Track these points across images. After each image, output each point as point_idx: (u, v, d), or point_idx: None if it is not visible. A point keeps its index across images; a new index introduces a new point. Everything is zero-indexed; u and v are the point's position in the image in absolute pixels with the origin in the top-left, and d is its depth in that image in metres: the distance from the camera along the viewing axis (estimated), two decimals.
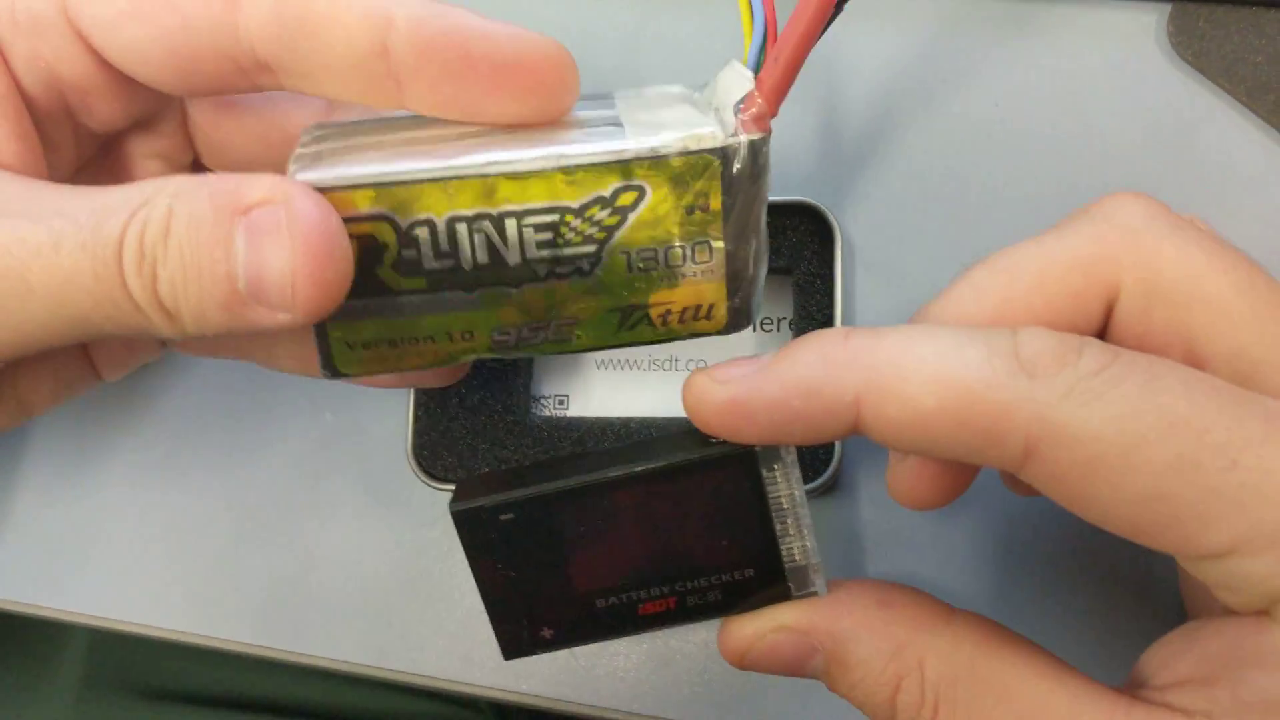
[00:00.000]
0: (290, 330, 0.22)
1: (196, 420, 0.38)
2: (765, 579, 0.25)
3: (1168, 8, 0.36)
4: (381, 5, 0.23)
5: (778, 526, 0.25)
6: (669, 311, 0.25)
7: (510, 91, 0.23)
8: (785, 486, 0.24)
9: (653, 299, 0.25)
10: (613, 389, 0.37)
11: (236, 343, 0.31)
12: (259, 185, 0.22)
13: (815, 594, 0.25)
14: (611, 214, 0.24)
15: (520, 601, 0.25)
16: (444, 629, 0.36)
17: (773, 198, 0.35)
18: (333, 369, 0.25)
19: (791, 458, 0.24)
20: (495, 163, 0.23)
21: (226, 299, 0.22)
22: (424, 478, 0.35)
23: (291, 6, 0.23)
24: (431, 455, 0.36)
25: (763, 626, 0.24)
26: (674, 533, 0.25)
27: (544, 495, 0.24)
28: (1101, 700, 0.22)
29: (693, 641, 0.35)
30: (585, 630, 0.26)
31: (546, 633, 0.26)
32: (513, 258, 0.24)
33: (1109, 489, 0.20)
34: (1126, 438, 0.19)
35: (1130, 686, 0.23)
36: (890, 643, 0.23)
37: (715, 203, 0.24)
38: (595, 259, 0.24)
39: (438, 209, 0.23)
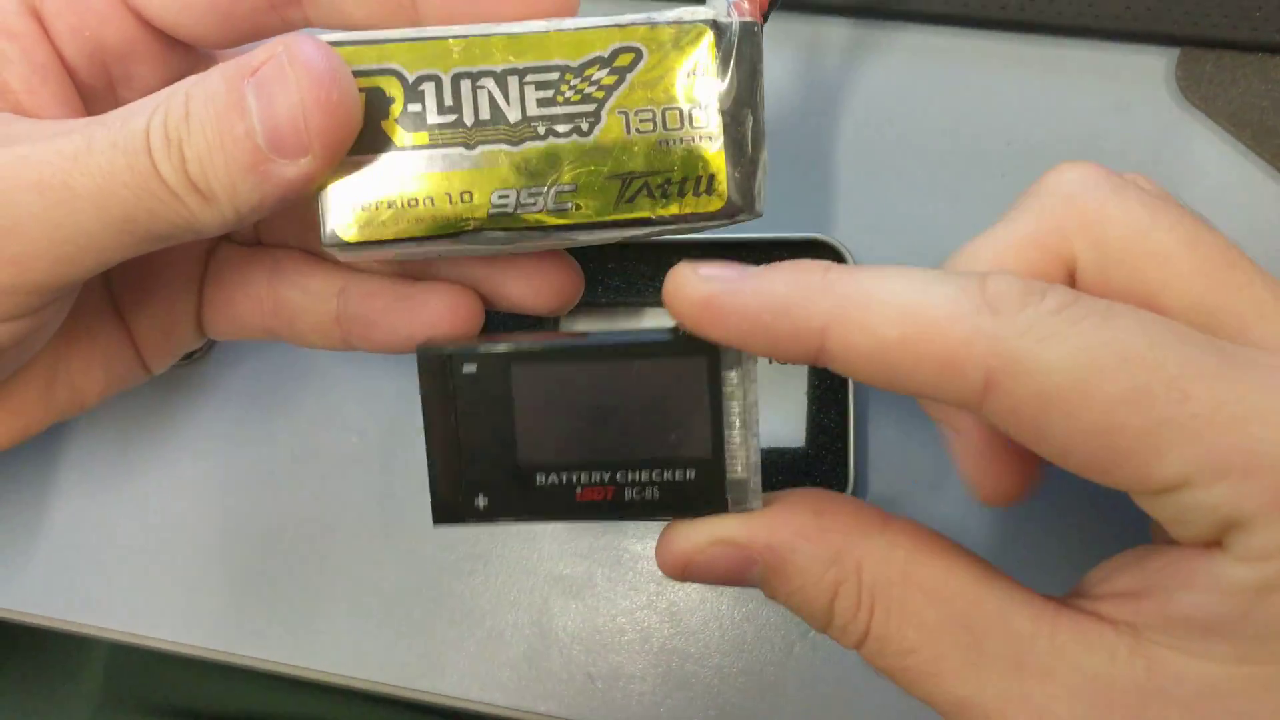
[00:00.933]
0: (315, 182, 0.24)
1: (225, 440, 0.39)
2: (705, 486, 0.25)
3: (1177, 51, 0.37)
4: None
5: (726, 433, 0.25)
6: (669, 180, 0.25)
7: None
8: (741, 394, 0.25)
9: (651, 164, 0.25)
10: None
11: (265, 317, 0.32)
12: (263, 48, 0.23)
13: (751, 509, 0.25)
14: (610, 74, 0.25)
15: (462, 463, 0.25)
16: (465, 650, 0.37)
17: (786, 233, 0.36)
18: (334, 238, 0.26)
19: (752, 367, 0.24)
20: (499, 29, 0.25)
21: (251, 160, 0.23)
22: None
23: None
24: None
25: (701, 540, 0.24)
26: (624, 417, 0.25)
27: (506, 353, 0.25)
28: (1030, 605, 0.22)
29: (709, 666, 0.36)
30: (519, 505, 0.25)
31: (481, 501, 0.25)
32: (513, 114, 0.25)
33: (1064, 422, 0.20)
34: (1081, 371, 0.20)
35: (1070, 597, 0.24)
36: (827, 550, 0.23)
37: (710, 69, 0.25)
38: (594, 118, 0.25)
39: (443, 65, 0.25)
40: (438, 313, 0.30)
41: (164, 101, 0.23)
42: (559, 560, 0.37)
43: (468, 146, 0.25)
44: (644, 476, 0.25)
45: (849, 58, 0.39)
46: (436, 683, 0.37)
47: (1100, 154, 0.37)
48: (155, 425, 0.39)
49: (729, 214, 0.26)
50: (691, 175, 0.25)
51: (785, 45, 0.39)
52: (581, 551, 0.37)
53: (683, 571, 0.25)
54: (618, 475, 0.25)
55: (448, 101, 0.25)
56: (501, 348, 0.25)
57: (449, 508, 0.25)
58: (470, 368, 0.25)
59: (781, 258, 0.36)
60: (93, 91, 0.28)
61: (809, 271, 0.22)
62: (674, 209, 0.26)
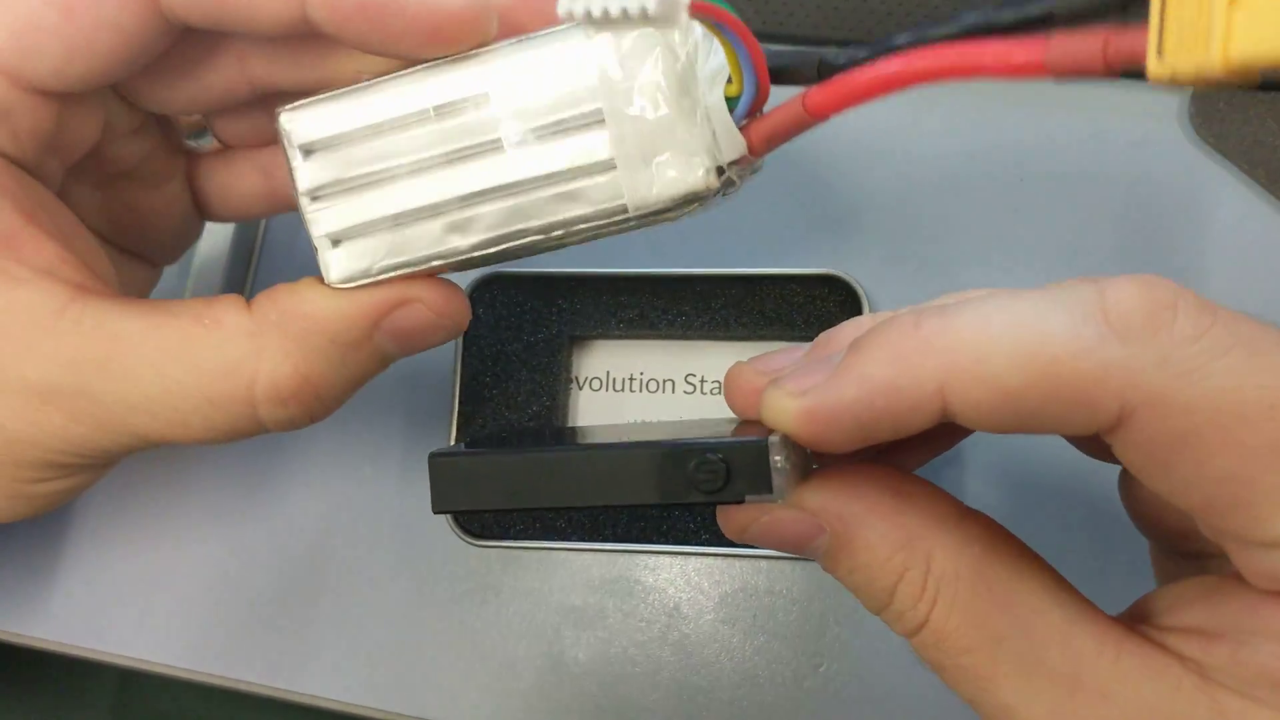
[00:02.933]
0: None
1: (240, 472, 0.39)
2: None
3: (1189, 89, 0.37)
4: None
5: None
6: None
7: (428, 45, 0.24)
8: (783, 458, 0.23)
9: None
10: None
11: (262, 180, 0.32)
12: (371, 299, 0.26)
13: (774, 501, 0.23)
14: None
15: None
16: (476, 680, 0.37)
17: (798, 268, 0.36)
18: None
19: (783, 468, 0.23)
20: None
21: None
22: (461, 533, 0.36)
23: None
24: (469, 512, 0.37)
25: (771, 505, 0.23)
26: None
27: (517, 462, 0.23)
28: (1096, 623, 0.21)
29: (720, 699, 0.36)
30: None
31: None
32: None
33: (1195, 464, 0.19)
34: (1226, 416, 0.19)
35: (1130, 618, 0.23)
36: (901, 532, 0.22)
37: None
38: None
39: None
40: None
41: (261, 391, 0.26)
42: (571, 592, 0.37)
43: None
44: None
45: None
46: (449, 713, 0.37)
47: (1113, 190, 0.37)
48: (169, 457, 0.39)
49: (707, 194, 0.24)
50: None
51: None
52: (593, 584, 0.37)
53: (743, 531, 0.24)
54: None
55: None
56: (511, 455, 0.23)
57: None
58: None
59: (795, 293, 0.36)
60: (41, 173, 0.27)
61: (900, 335, 0.21)
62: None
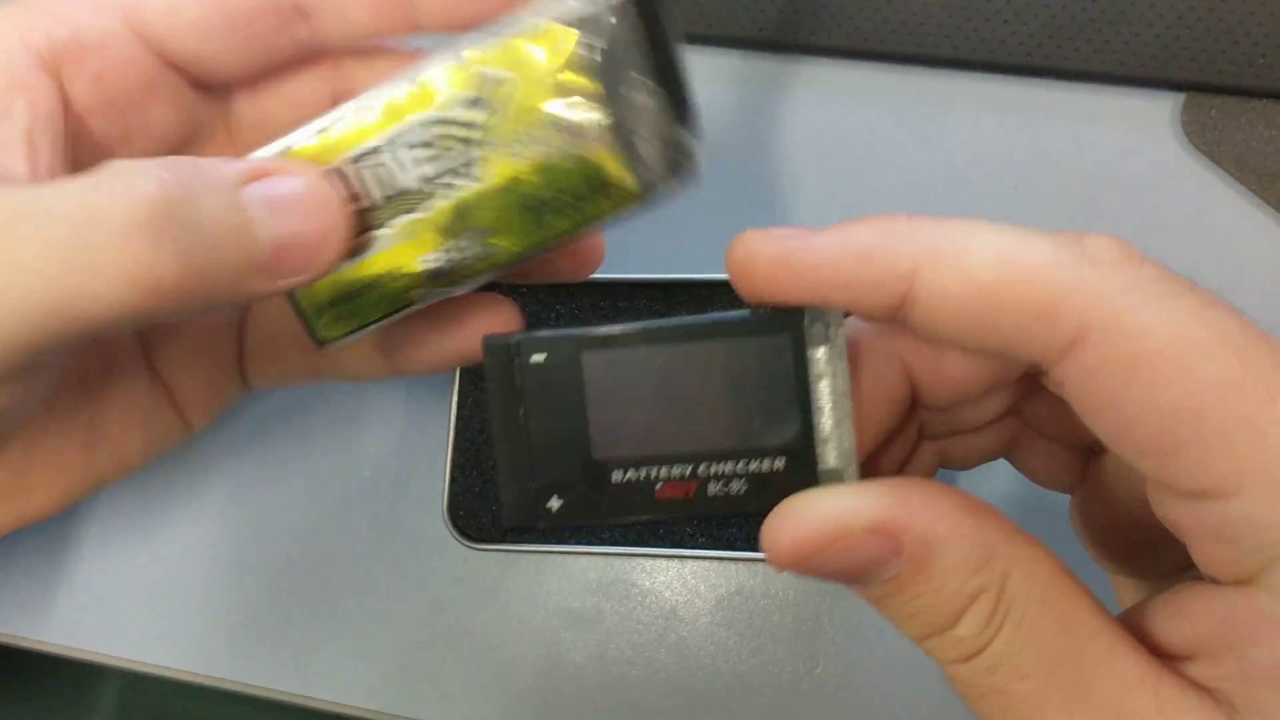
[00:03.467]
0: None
1: (238, 475, 0.39)
2: (795, 477, 0.23)
3: (1182, 96, 0.38)
4: None
5: (816, 418, 0.23)
6: (576, 195, 0.25)
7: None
8: (830, 373, 0.23)
9: (551, 185, 0.25)
10: None
11: (313, 359, 0.32)
12: (240, 163, 0.24)
13: None
14: (482, 110, 0.24)
15: (533, 461, 0.23)
16: (476, 682, 0.37)
17: None
18: (316, 338, 0.27)
19: (840, 346, 0.22)
20: (360, 105, 0.25)
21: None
22: (459, 537, 0.37)
23: None
24: (467, 515, 0.37)
25: (852, 522, 0.21)
26: (704, 405, 0.23)
27: (576, 339, 0.23)
28: (1136, 652, 0.21)
29: (715, 701, 0.36)
30: (596, 505, 0.23)
31: (554, 503, 0.23)
32: (407, 180, 0.25)
33: (1144, 393, 0.19)
34: (1180, 343, 0.19)
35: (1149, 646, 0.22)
36: (982, 553, 0.21)
37: (582, 68, 0.24)
38: (476, 161, 0.25)
39: (334, 156, 0.25)
40: (478, 324, 0.29)
41: (129, 181, 0.23)
42: (568, 594, 0.38)
43: (387, 225, 0.26)
44: (728, 469, 0.23)
45: (856, 101, 0.39)
46: (447, 715, 0.37)
47: (1106, 197, 0.38)
48: (171, 460, 0.39)
49: (650, 195, 0.24)
50: (593, 180, 0.24)
51: (782, 88, 0.39)
52: (590, 586, 0.38)
53: (807, 558, 0.21)
54: (699, 469, 0.23)
55: (354, 189, 0.25)
56: (571, 333, 0.23)
57: (520, 511, 0.23)
58: (538, 357, 0.23)
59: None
60: (104, 142, 0.28)
61: (891, 219, 0.21)
62: (593, 212, 0.25)
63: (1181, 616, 0.21)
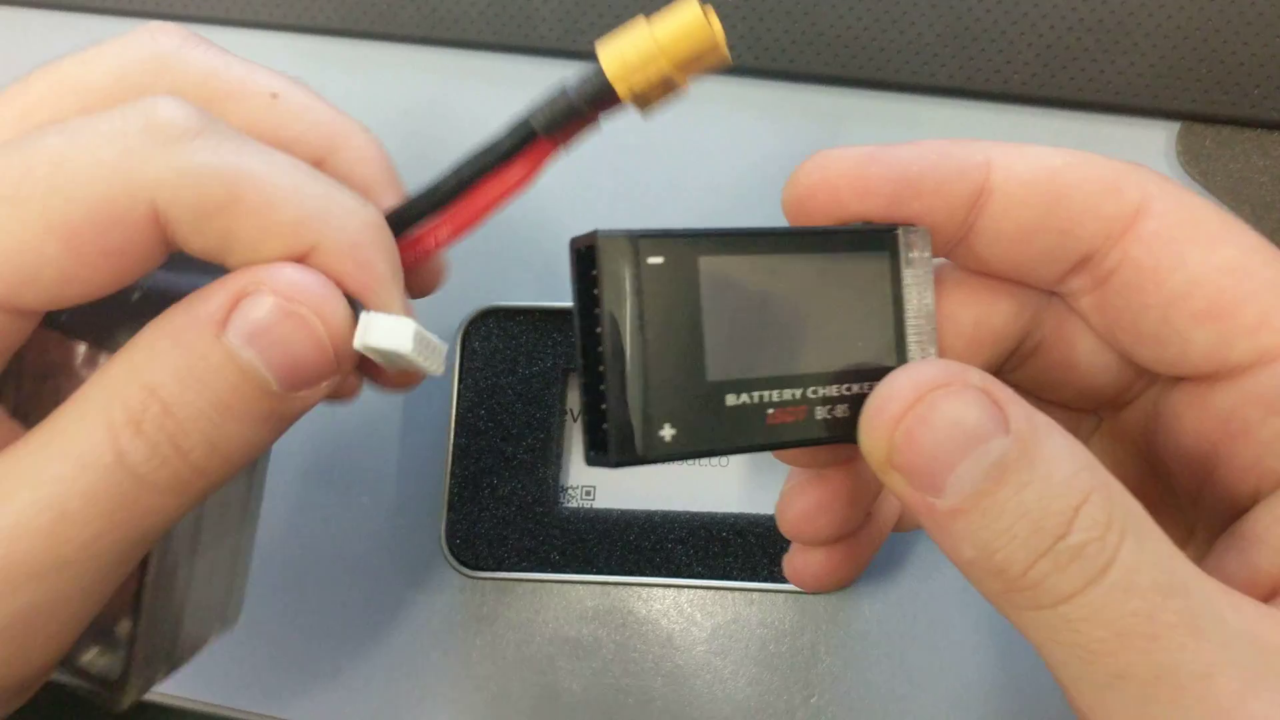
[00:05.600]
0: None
1: None
2: None
3: (1177, 126, 0.38)
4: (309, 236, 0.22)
5: (907, 342, 0.22)
6: None
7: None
8: (918, 294, 0.23)
9: None
10: (640, 481, 0.39)
11: None
12: (218, 290, 0.21)
13: None
14: None
15: (643, 384, 0.20)
16: (471, 710, 0.37)
17: None
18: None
19: (929, 265, 0.22)
20: None
21: (268, 407, 0.21)
22: (456, 565, 0.37)
23: (221, 226, 0.21)
24: (464, 543, 0.37)
25: (958, 375, 0.19)
26: (811, 323, 0.21)
27: (695, 237, 0.20)
28: (1242, 595, 0.19)
29: None
30: (710, 433, 0.21)
31: (667, 431, 0.20)
32: None
33: (1206, 252, 0.21)
34: (1223, 215, 0.22)
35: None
36: (1084, 454, 0.19)
37: None
38: None
39: None
40: None
41: (116, 417, 0.20)
42: (565, 623, 0.38)
43: None
44: (833, 391, 0.22)
45: (851, 128, 0.39)
46: None
47: None
48: None
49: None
50: None
51: (777, 116, 0.39)
52: (587, 615, 0.38)
53: (911, 409, 0.20)
54: (808, 391, 0.21)
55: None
56: (685, 232, 0.20)
57: (629, 441, 0.20)
58: (656, 259, 0.20)
59: None
60: None
61: (949, 140, 0.23)
62: None
63: (1253, 545, 0.21)
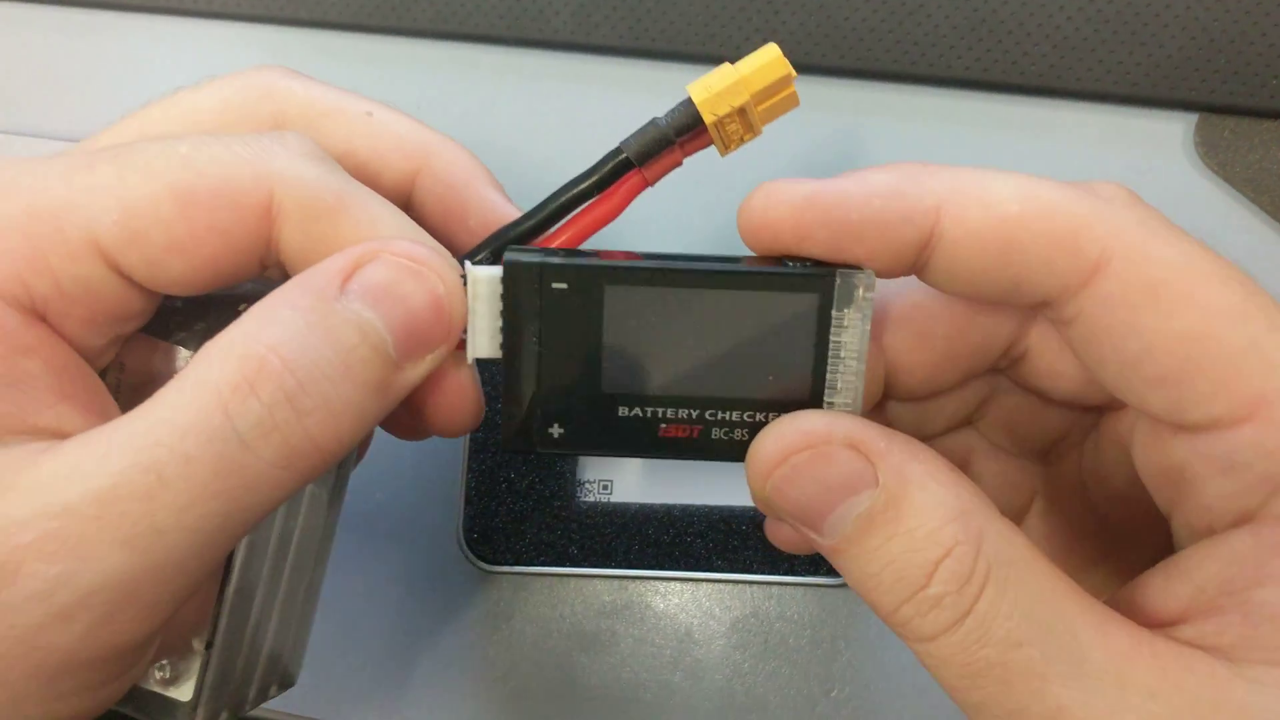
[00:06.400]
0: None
1: None
2: None
3: (1195, 117, 0.38)
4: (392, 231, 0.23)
5: (829, 376, 0.23)
6: None
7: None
8: (851, 337, 0.22)
9: None
10: (656, 476, 0.38)
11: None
12: (337, 259, 0.21)
13: None
14: None
15: (539, 387, 0.23)
16: (490, 706, 0.37)
17: None
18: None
19: (867, 308, 0.22)
20: None
21: (381, 376, 0.21)
22: (474, 559, 0.37)
23: (324, 230, 0.22)
24: (481, 538, 0.37)
25: (831, 432, 0.21)
26: (720, 351, 0.23)
27: (604, 269, 0.22)
28: (1127, 624, 0.20)
29: None
30: (598, 437, 0.23)
31: (556, 430, 0.23)
32: None
33: (1162, 317, 0.20)
34: (1192, 272, 0.20)
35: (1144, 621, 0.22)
36: (957, 503, 0.20)
37: None
38: None
39: None
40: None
41: (228, 378, 0.20)
42: (583, 617, 0.37)
43: None
44: (734, 416, 0.23)
45: (867, 121, 0.39)
46: None
47: None
48: None
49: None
50: None
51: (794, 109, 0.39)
52: (605, 609, 0.37)
53: (783, 463, 0.21)
54: (706, 413, 0.23)
55: None
56: (598, 264, 0.22)
57: (523, 433, 0.23)
58: (561, 284, 0.22)
59: None
60: (103, 355, 0.24)
61: (908, 164, 0.22)
62: None
63: (1179, 576, 0.21)
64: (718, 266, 0.22)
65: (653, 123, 0.24)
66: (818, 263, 0.22)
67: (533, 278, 0.22)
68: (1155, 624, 0.21)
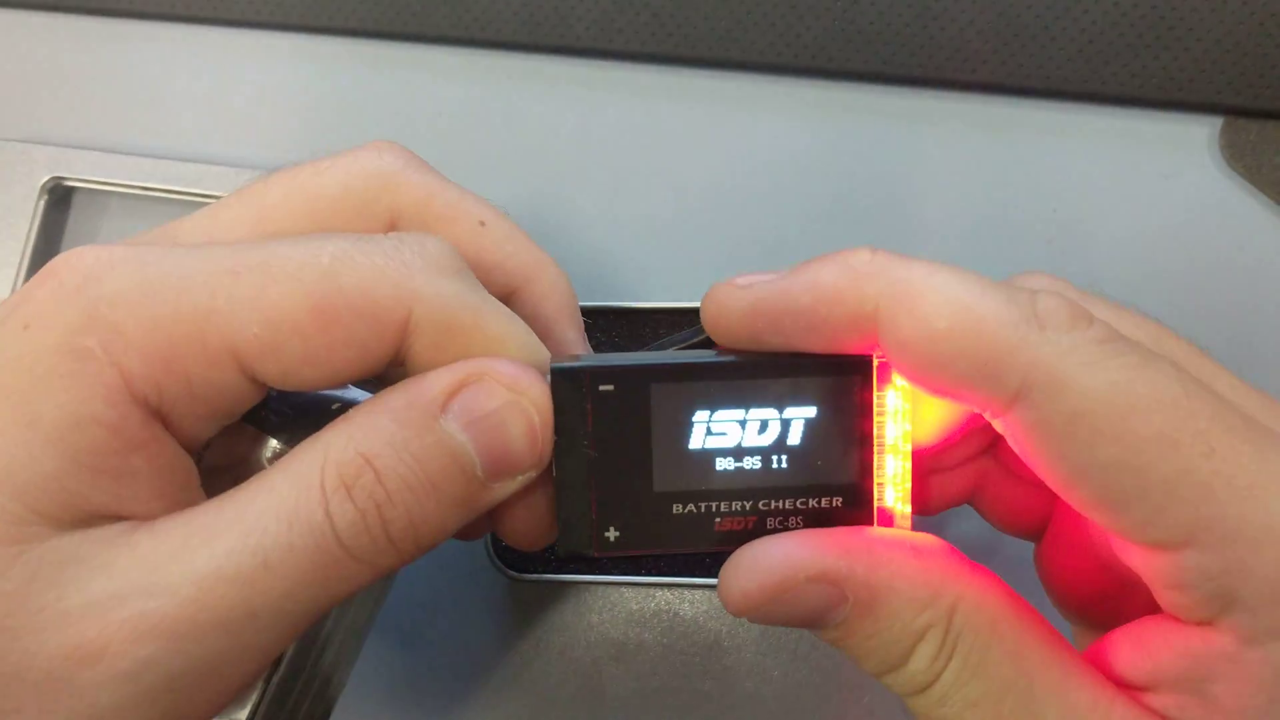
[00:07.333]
0: None
1: None
2: (851, 512, 0.23)
3: (1220, 120, 0.38)
4: (534, 354, 0.24)
5: (876, 457, 0.23)
6: None
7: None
8: (895, 417, 0.23)
9: None
10: None
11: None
12: (442, 376, 0.22)
13: None
14: None
15: (593, 491, 0.23)
16: (518, 715, 0.37)
17: None
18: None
19: (905, 388, 0.23)
20: None
21: (465, 493, 0.22)
22: (503, 568, 0.36)
23: (455, 345, 0.23)
24: (510, 547, 0.37)
25: (793, 574, 0.22)
26: (768, 441, 0.23)
27: (648, 368, 0.23)
28: (1090, 681, 0.22)
29: None
30: (654, 536, 0.23)
31: (612, 533, 0.23)
32: None
33: (1086, 450, 0.20)
34: (1117, 403, 0.20)
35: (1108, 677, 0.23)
36: (927, 592, 0.22)
37: None
38: None
39: None
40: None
41: (330, 478, 0.21)
42: (611, 625, 0.37)
43: None
44: (788, 505, 0.23)
45: (891, 126, 0.39)
46: None
47: (1145, 221, 0.37)
48: None
49: None
50: None
51: (825, 115, 0.39)
52: (633, 617, 0.37)
53: (757, 607, 0.22)
54: (760, 504, 0.23)
55: None
56: (641, 362, 0.23)
57: (577, 537, 0.23)
58: (607, 387, 0.23)
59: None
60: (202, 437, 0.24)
61: (856, 256, 0.22)
62: None
63: (1144, 649, 0.22)
64: (757, 355, 0.23)
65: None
66: None
67: (580, 383, 0.23)
68: (1127, 684, 0.22)
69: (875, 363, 0.23)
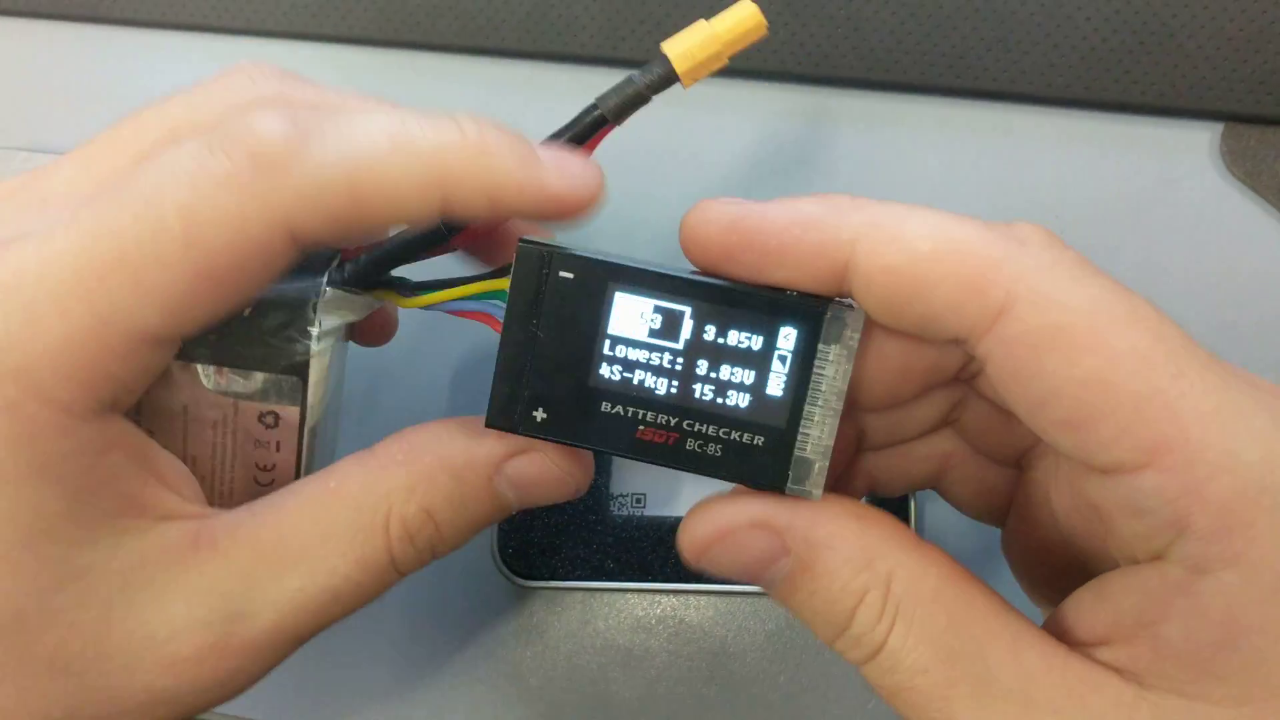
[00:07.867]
0: None
1: None
2: (769, 457, 0.24)
3: (1221, 126, 0.38)
4: None
5: (807, 408, 0.23)
6: None
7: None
8: (834, 372, 0.23)
9: None
10: (690, 488, 0.38)
11: None
12: (495, 448, 0.25)
13: (808, 496, 0.24)
14: None
15: (531, 371, 0.24)
16: None
17: None
18: None
19: (852, 347, 0.23)
20: None
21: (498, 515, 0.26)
22: (508, 574, 0.36)
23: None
24: (516, 553, 0.37)
25: (739, 518, 0.23)
26: (708, 365, 0.24)
27: (611, 266, 0.23)
28: (1042, 643, 0.22)
29: None
30: (577, 428, 0.24)
31: (540, 413, 0.24)
32: None
33: (1064, 362, 0.20)
34: (1098, 316, 0.20)
35: (1065, 639, 0.23)
36: (863, 554, 0.23)
37: None
38: None
39: None
40: None
41: (395, 530, 0.24)
42: (616, 632, 0.37)
43: None
44: (710, 430, 0.24)
45: (891, 132, 0.39)
46: None
47: (1146, 227, 0.38)
48: None
49: None
50: None
51: (816, 120, 0.39)
52: (638, 624, 0.37)
53: (705, 551, 0.24)
54: (684, 423, 0.24)
55: None
56: (606, 260, 0.23)
57: (507, 412, 0.24)
58: (567, 273, 0.23)
59: None
60: None
61: (836, 196, 0.22)
62: None
63: (1102, 600, 0.23)
64: (720, 282, 0.23)
65: (629, 81, 0.25)
66: (818, 296, 0.23)
67: (540, 262, 0.23)
68: (1082, 642, 0.23)
69: (828, 314, 0.23)
